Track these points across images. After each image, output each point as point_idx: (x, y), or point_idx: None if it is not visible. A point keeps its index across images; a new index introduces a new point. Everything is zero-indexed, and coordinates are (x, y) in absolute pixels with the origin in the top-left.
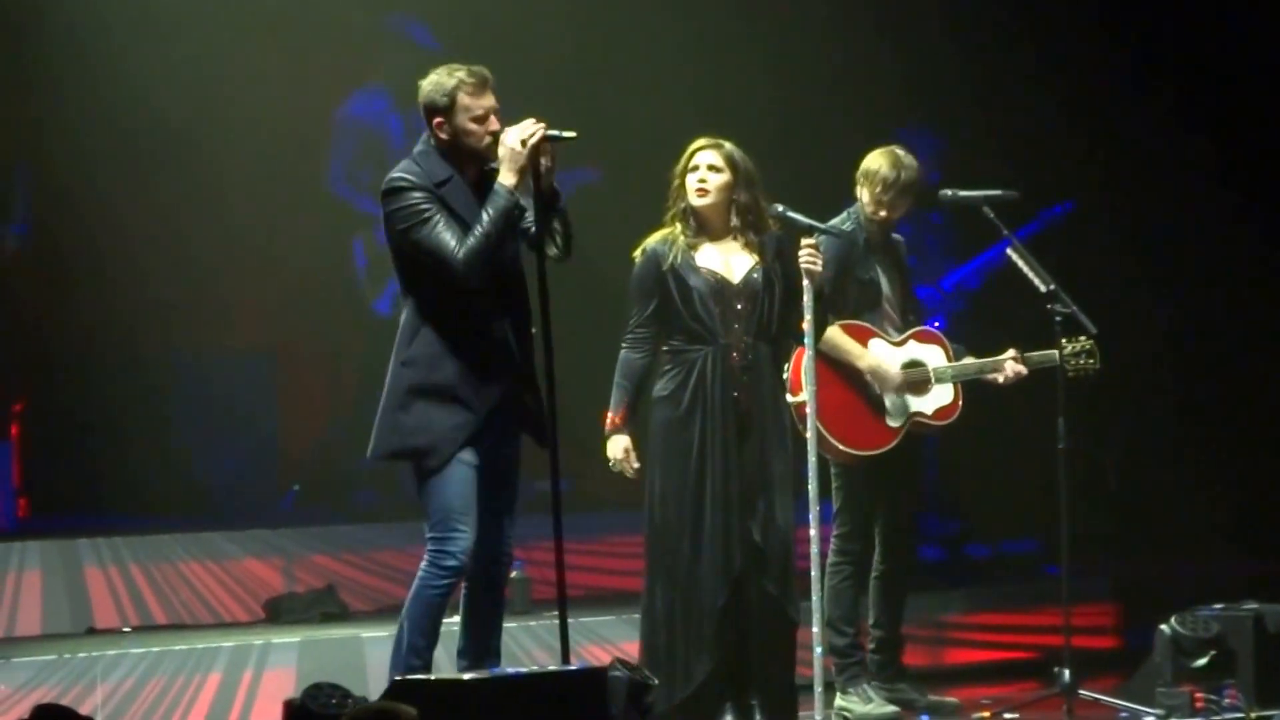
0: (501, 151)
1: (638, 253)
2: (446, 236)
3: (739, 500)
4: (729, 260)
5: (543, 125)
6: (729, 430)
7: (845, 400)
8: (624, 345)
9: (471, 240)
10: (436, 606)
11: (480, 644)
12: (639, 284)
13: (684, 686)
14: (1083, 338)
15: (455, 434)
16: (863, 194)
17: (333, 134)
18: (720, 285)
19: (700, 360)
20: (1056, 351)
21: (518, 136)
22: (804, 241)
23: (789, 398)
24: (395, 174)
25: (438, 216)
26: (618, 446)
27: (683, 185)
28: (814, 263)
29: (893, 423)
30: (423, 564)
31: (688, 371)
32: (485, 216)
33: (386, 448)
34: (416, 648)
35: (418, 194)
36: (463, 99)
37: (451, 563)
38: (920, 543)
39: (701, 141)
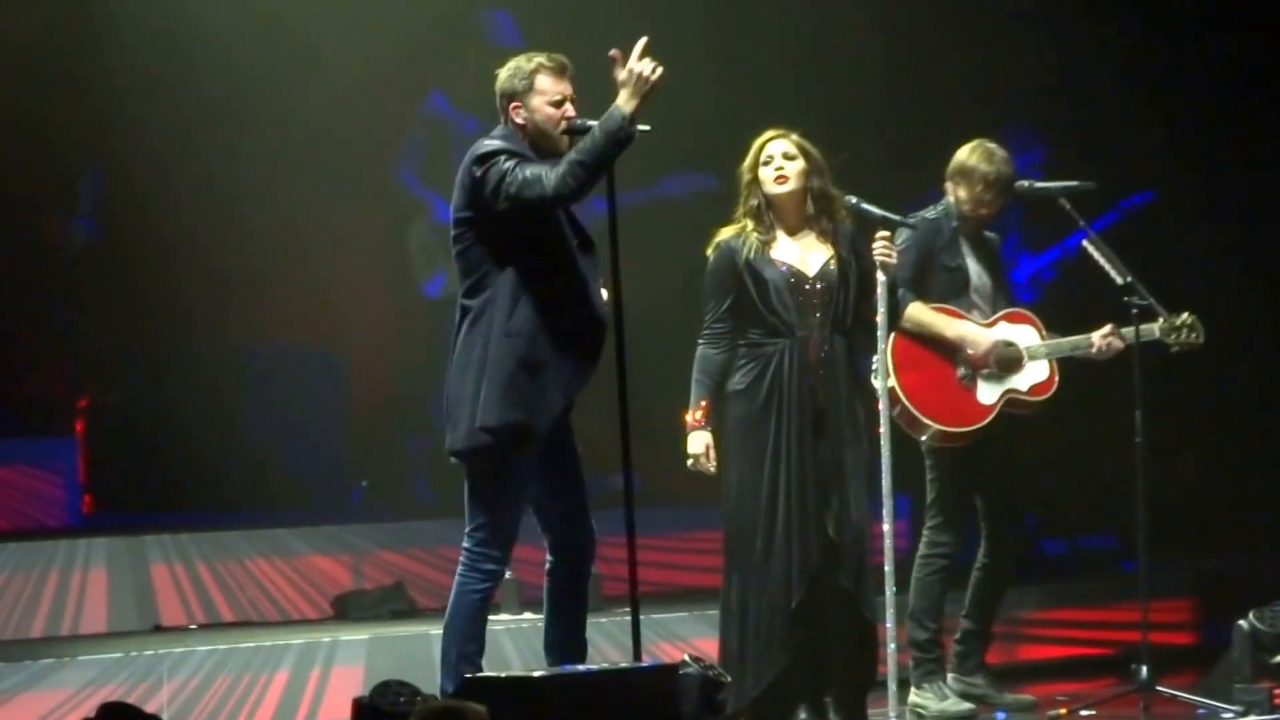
0: (623, 75)
1: (710, 249)
2: (536, 168)
3: (814, 495)
4: (804, 253)
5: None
6: (805, 424)
7: (933, 378)
8: (701, 341)
9: (571, 159)
10: (480, 610)
11: (566, 639)
12: (715, 280)
13: (757, 684)
14: (1185, 313)
15: (546, 414)
16: (959, 192)
17: (410, 127)
18: (797, 278)
19: (777, 354)
20: (1156, 325)
21: (648, 66)
22: (879, 234)
23: (876, 383)
24: (486, 142)
25: (524, 160)
26: (699, 443)
27: (756, 179)
28: (889, 255)
29: (985, 399)
30: (460, 567)
31: (764, 365)
32: (591, 136)
33: (490, 420)
34: (467, 654)
35: (507, 155)
36: (540, 82)
37: (491, 566)
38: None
39: (770, 133)
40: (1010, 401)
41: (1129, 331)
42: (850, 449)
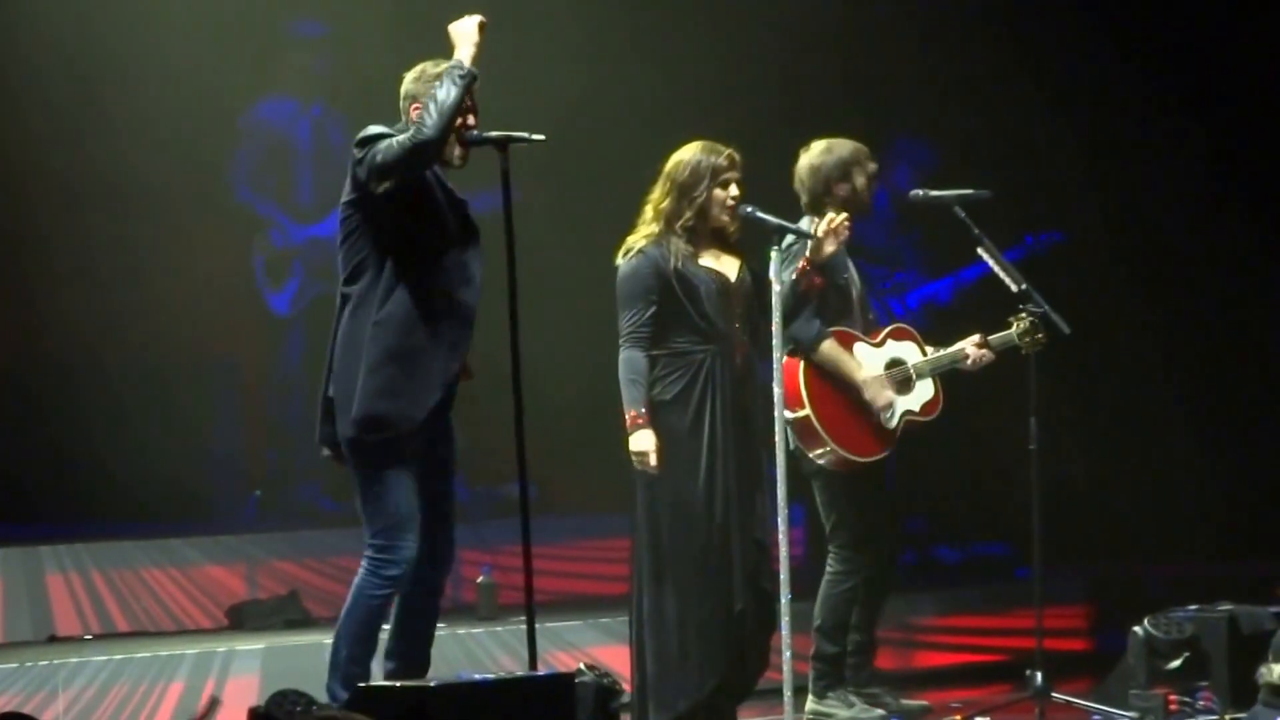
0: (454, 34)
1: (624, 255)
2: (402, 137)
3: (746, 499)
4: (721, 261)
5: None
6: (737, 430)
7: (847, 407)
8: (628, 345)
9: (431, 112)
10: (376, 615)
11: (411, 650)
12: (638, 285)
13: (700, 690)
14: (1024, 314)
15: (420, 405)
16: (856, 181)
17: (239, 140)
18: (723, 285)
19: (708, 360)
20: (1012, 332)
21: (465, 22)
22: (839, 217)
23: (788, 414)
24: (370, 127)
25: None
26: (648, 441)
27: (709, 197)
28: (842, 230)
29: (891, 423)
30: (361, 571)
31: (695, 373)
32: (442, 87)
33: (363, 411)
34: (356, 657)
35: (382, 137)
36: None
37: (394, 571)
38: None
39: (727, 156)
40: (908, 423)
41: (998, 338)
42: (764, 453)
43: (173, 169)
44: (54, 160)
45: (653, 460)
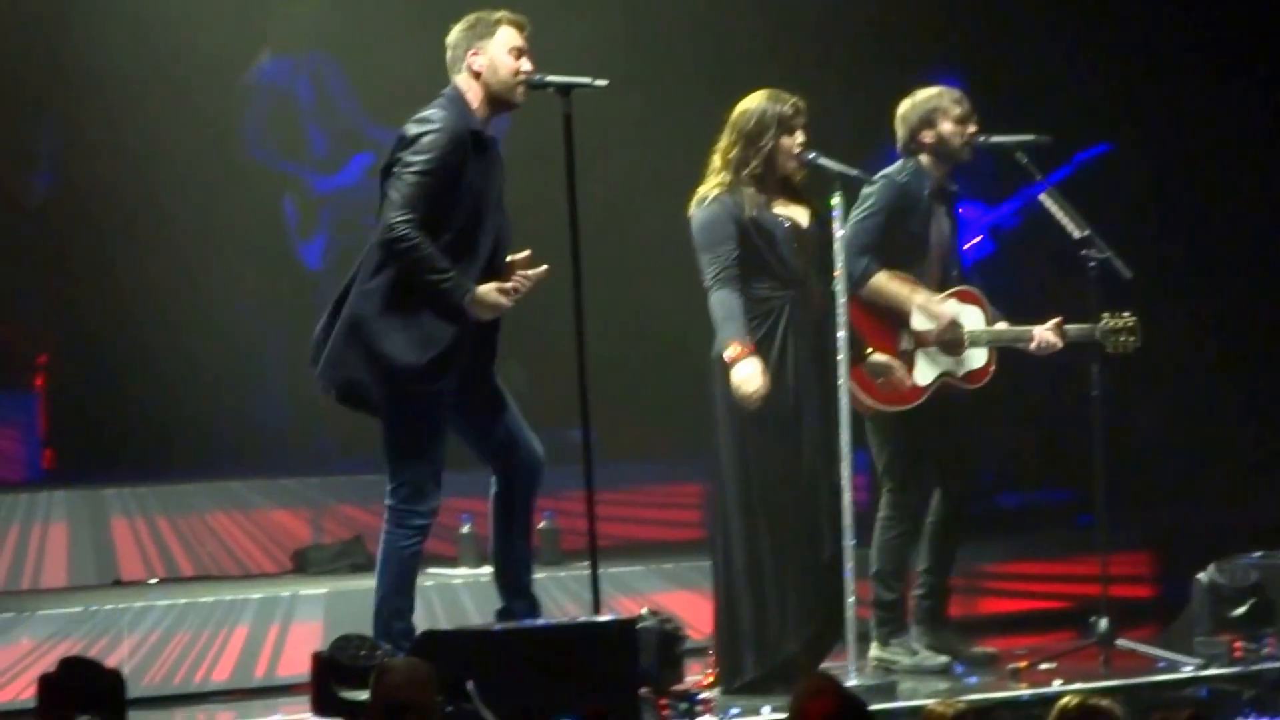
0: (487, 301)
1: (698, 204)
2: (407, 195)
3: (828, 445)
4: (791, 208)
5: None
6: (817, 374)
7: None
8: (718, 286)
9: (422, 262)
10: (411, 564)
11: (520, 558)
12: (717, 230)
13: (798, 636)
14: (1126, 314)
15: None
16: (943, 128)
17: (244, 99)
18: (797, 231)
19: (786, 306)
20: (1096, 327)
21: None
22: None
23: (877, 356)
24: (429, 119)
25: (427, 179)
26: (756, 369)
27: (776, 146)
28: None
29: (921, 380)
30: (386, 524)
31: (776, 319)
32: (438, 272)
33: (330, 378)
34: (399, 610)
35: (424, 167)
36: (502, 32)
37: (419, 521)
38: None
39: (794, 102)
40: (944, 385)
41: (1076, 329)
42: (838, 399)
43: (189, 132)
44: (137, 114)
45: (761, 388)
